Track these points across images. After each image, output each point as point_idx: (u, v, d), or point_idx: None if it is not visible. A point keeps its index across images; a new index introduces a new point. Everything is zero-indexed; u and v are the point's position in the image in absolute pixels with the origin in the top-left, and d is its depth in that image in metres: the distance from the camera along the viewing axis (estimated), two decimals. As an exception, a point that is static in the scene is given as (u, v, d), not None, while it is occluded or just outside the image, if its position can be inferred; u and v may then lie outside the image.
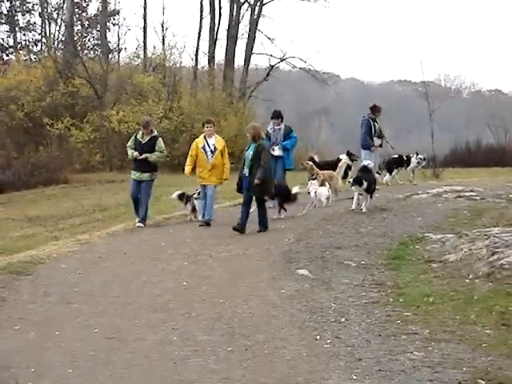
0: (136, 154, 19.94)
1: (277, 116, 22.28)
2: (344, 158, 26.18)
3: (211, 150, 19.41)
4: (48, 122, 38.89)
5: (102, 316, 11.60)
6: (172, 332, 10.65)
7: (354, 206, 20.21)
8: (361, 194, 19.64)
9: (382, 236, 17.50)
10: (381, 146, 25.66)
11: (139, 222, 19.87)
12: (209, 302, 12.25)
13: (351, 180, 20.17)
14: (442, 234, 16.69)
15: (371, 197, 19.90)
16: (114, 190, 22.77)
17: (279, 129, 22.09)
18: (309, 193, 21.31)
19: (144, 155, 19.85)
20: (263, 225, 18.24)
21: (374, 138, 24.93)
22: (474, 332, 10.28)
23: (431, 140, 34.85)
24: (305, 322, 11.10)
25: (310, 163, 23.02)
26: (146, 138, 20.19)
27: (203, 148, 19.51)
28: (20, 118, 39.98)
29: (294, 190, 20.53)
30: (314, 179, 21.63)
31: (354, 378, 8.62)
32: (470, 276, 13.23)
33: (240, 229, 17.99)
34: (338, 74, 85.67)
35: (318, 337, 10.35)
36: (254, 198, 18.66)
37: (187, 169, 19.95)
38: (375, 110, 25.43)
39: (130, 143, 20.59)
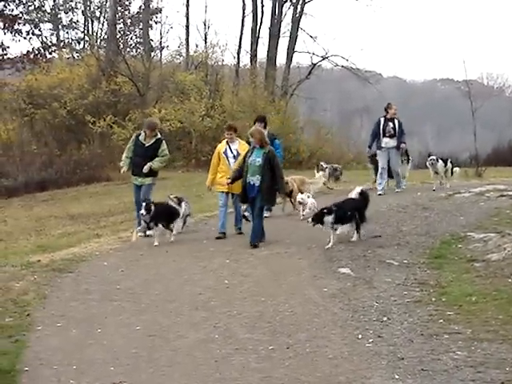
0: (124, 169, 19.01)
1: (260, 120, 20.38)
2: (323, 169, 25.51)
3: (234, 156, 18.15)
4: (90, 119, 39.06)
5: (144, 313, 11.65)
6: (214, 330, 10.66)
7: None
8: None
9: (423, 235, 17.42)
10: (397, 147, 23.99)
11: (139, 230, 18.68)
12: (250, 300, 12.25)
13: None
14: (484, 233, 16.59)
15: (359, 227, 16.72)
16: (155, 188, 22.75)
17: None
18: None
19: (147, 166, 18.48)
20: (256, 238, 16.63)
21: (385, 139, 23.89)
22: (518, 332, 10.22)
23: (474, 138, 34.67)
24: (347, 320, 11.08)
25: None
26: (150, 141, 18.79)
27: (225, 153, 18.28)
28: (63, 116, 40.20)
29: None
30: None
31: (396, 377, 8.61)
32: (514, 276, 13.16)
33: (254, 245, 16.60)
34: (380, 72, 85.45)
35: (360, 336, 10.33)
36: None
37: (208, 180, 18.78)
38: (386, 108, 24.64)
39: (129, 144, 19.24)
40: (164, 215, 17.77)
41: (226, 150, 18.22)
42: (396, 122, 23.94)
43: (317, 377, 8.68)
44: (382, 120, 24.05)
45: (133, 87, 41.26)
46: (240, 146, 18.13)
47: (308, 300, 12.20)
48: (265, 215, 18.57)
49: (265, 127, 19.73)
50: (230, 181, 17.29)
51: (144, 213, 17.14)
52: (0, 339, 10.44)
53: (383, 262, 14.92)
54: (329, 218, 15.99)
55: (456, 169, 25.46)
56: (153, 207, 17.29)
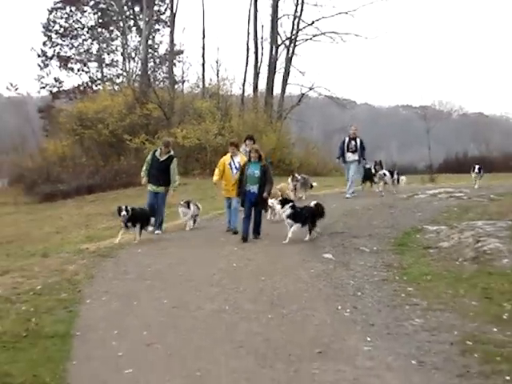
0: (144, 180, 18.33)
1: (250, 138, 20.02)
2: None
3: (236, 167, 17.80)
4: (127, 137, 39.04)
5: (170, 290, 11.64)
6: (225, 302, 10.66)
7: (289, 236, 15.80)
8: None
9: (389, 227, 17.42)
10: (359, 161, 24.07)
11: (157, 228, 18.20)
12: (253, 279, 12.24)
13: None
14: (437, 226, 16.58)
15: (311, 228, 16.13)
16: (180, 192, 22.67)
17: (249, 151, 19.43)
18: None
19: (171, 192, 18.50)
20: (258, 232, 16.63)
21: (348, 154, 23.94)
22: (463, 303, 10.23)
23: (428, 152, 34.69)
24: (329, 295, 11.08)
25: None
26: (164, 157, 18.29)
27: (229, 164, 17.97)
28: (106, 135, 40.22)
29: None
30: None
31: (368, 339, 8.64)
32: (460, 259, 13.16)
33: (246, 238, 16.29)
34: (355, 99, 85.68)
35: (340, 307, 10.33)
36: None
37: (215, 178, 18.32)
38: (350, 129, 24.78)
39: (148, 158, 18.67)
40: (140, 218, 17.16)
41: (230, 162, 17.99)
42: (358, 140, 24.01)
43: (306, 339, 8.70)
44: (347, 139, 24.10)
45: (160, 112, 41.22)
46: (241, 159, 17.80)
47: (298, 279, 12.19)
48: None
49: (253, 144, 19.24)
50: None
51: (125, 214, 16.57)
52: (57, 310, 10.46)
53: (358, 249, 14.92)
54: (288, 211, 15.85)
55: (402, 177, 25.72)
56: (130, 211, 16.72)
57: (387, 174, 24.42)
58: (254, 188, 16.43)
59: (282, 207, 16.01)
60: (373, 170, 25.49)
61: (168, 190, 18.51)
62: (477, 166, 26.42)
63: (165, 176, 18.18)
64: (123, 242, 16.91)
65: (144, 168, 18.43)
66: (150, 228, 17.90)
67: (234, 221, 17.88)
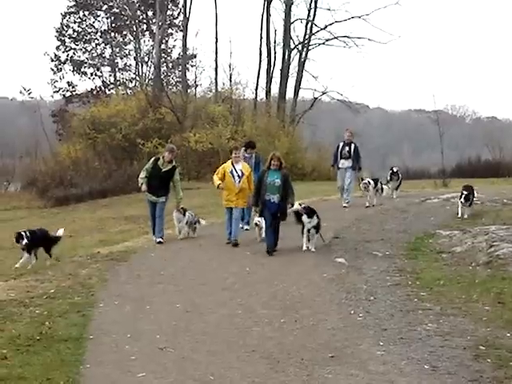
0: (144, 188, 17.16)
1: (252, 146, 18.65)
2: None
3: (238, 175, 16.48)
4: (140, 142, 39.11)
5: (182, 294, 11.68)
6: (237, 307, 10.69)
7: (304, 247, 15.46)
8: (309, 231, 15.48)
9: (402, 232, 17.43)
10: (353, 167, 22.08)
11: (159, 237, 17.09)
12: (266, 284, 12.28)
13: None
14: (450, 231, 16.57)
15: (317, 232, 15.63)
16: (191, 196, 22.72)
17: (250, 157, 18.23)
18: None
19: (179, 206, 17.45)
20: (275, 244, 15.33)
21: (342, 160, 22.06)
22: (476, 308, 10.25)
23: (441, 156, 34.66)
24: (342, 299, 11.10)
25: None
26: (168, 167, 17.14)
27: (231, 172, 16.58)
28: (119, 139, 40.31)
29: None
30: None
31: (381, 344, 8.67)
32: (473, 264, 13.18)
33: (273, 251, 15.16)
34: (368, 104, 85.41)
35: (352, 311, 10.36)
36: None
37: (219, 182, 16.67)
38: (345, 133, 22.88)
39: (147, 166, 17.48)
40: (40, 241, 15.57)
41: (231, 170, 16.63)
42: (352, 146, 22.14)
43: (318, 343, 8.72)
44: (341, 144, 22.33)
45: (173, 116, 41.31)
46: (243, 167, 16.73)
47: (311, 283, 12.22)
48: (246, 228, 18.15)
49: (253, 150, 18.49)
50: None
51: (26, 241, 14.91)
52: (71, 313, 10.50)
53: (370, 253, 14.94)
54: (315, 221, 15.45)
55: (384, 187, 23.98)
56: (29, 236, 15.06)
57: (371, 182, 22.72)
58: (274, 198, 15.19)
59: (310, 217, 15.35)
60: (388, 178, 24.85)
61: (167, 199, 17.53)
62: (394, 169, 25.21)
63: (166, 186, 17.28)
64: (136, 246, 16.96)
65: (142, 175, 17.33)
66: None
67: (235, 232, 16.55)
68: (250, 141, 19.72)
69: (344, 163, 21.94)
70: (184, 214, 17.58)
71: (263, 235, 16.19)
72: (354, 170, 22.16)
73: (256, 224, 16.45)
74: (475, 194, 17.51)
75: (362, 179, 22.57)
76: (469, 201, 16.77)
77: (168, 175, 17.17)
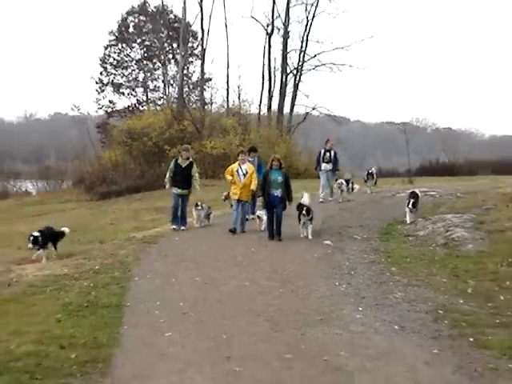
0: (167, 186, 17.31)
1: (254, 150, 18.27)
2: None
3: (243, 174, 16.42)
4: (167, 148, 38.97)
5: (201, 270, 11.66)
6: (245, 279, 10.68)
7: (301, 235, 15.12)
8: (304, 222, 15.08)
9: (376, 219, 17.39)
10: (333, 170, 21.63)
11: (183, 225, 17.07)
12: (268, 261, 12.26)
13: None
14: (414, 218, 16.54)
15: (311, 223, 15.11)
16: (208, 191, 22.72)
17: (253, 160, 17.67)
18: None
19: (198, 188, 17.24)
20: (279, 232, 14.89)
21: (324, 164, 21.54)
22: (436, 280, 10.25)
23: (407, 159, 34.63)
24: (329, 273, 11.09)
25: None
26: (186, 163, 17.24)
27: (237, 171, 16.55)
28: (150, 146, 40.13)
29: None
30: None
31: (360, 309, 8.68)
32: (433, 245, 13.19)
33: (278, 240, 14.76)
34: (349, 117, 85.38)
35: (337, 283, 10.35)
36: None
37: (230, 178, 16.67)
38: (326, 141, 22.23)
39: (171, 166, 17.47)
40: (50, 238, 14.77)
41: (238, 169, 16.59)
42: (332, 152, 21.65)
43: (310, 309, 8.73)
44: (323, 150, 21.81)
45: (193, 128, 41.15)
46: (248, 167, 16.63)
47: (304, 261, 12.20)
48: (251, 217, 17.66)
49: (256, 153, 18.17)
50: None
51: (37, 241, 14.06)
52: (112, 285, 10.52)
53: (351, 236, 14.92)
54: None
55: (356, 186, 23.72)
56: (39, 235, 14.19)
57: (344, 182, 22.31)
58: (277, 192, 14.99)
59: (308, 214, 14.88)
60: (365, 177, 24.77)
61: (191, 191, 17.38)
62: (369, 171, 25.00)
63: (188, 180, 17.16)
64: (164, 232, 16.95)
65: (168, 175, 17.33)
66: None
67: (235, 222, 16.27)
68: (252, 146, 19.51)
69: (326, 166, 21.62)
70: (202, 208, 17.56)
71: (263, 226, 16.05)
72: (334, 172, 21.91)
73: (258, 216, 16.41)
74: (419, 200, 17.12)
75: (337, 180, 22.27)
76: (415, 207, 16.46)
77: (188, 170, 17.16)
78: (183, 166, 17.23)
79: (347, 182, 22.69)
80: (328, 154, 21.64)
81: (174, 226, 17.05)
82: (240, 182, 16.43)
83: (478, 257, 11.57)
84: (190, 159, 17.56)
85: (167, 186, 17.40)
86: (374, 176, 24.96)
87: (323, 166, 21.70)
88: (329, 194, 21.97)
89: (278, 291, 9.82)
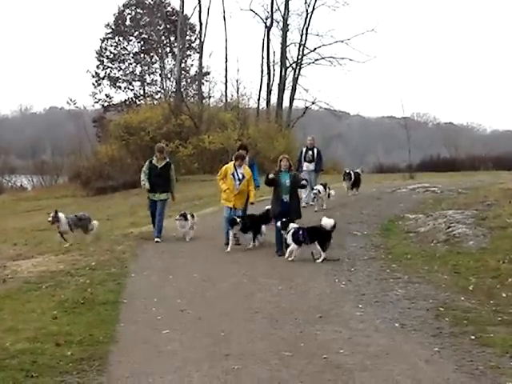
0: (147, 186, 15.18)
1: (244, 148, 15.70)
2: None
3: (239, 178, 14.20)
4: (164, 142, 38.91)
5: (199, 266, 11.69)
6: (244, 277, 10.70)
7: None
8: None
9: (377, 216, 17.39)
10: (315, 170, 19.91)
11: (157, 237, 15.00)
12: (266, 259, 12.28)
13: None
14: (415, 215, 16.52)
15: None
16: (207, 186, 22.67)
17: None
18: None
19: (174, 195, 15.69)
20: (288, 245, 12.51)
21: (305, 163, 19.79)
22: (437, 277, 10.25)
23: (408, 155, 34.58)
24: (328, 270, 11.11)
25: None
26: (162, 163, 15.32)
27: (232, 175, 14.29)
28: (147, 140, 40.01)
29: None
30: None
31: (360, 306, 8.68)
32: (434, 241, 13.16)
33: (281, 252, 12.70)
34: (349, 111, 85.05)
35: (337, 280, 10.37)
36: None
37: (224, 186, 14.39)
38: (309, 139, 20.53)
39: (144, 168, 15.54)
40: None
41: (233, 172, 14.32)
42: (315, 150, 19.91)
43: (309, 306, 8.74)
44: (304, 149, 20.12)
45: (191, 122, 41.16)
46: (244, 170, 14.43)
47: (303, 258, 12.19)
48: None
49: (247, 153, 15.61)
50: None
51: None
52: (108, 282, 10.52)
53: (351, 233, 14.93)
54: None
55: (331, 191, 20.12)
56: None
57: (321, 191, 19.35)
58: (286, 197, 13.05)
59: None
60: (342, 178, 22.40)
61: (168, 197, 15.54)
62: (346, 171, 22.58)
63: (165, 183, 15.32)
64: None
65: (144, 177, 15.34)
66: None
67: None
68: (242, 144, 17.52)
69: (308, 166, 19.97)
70: (186, 219, 15.23)
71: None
72: (317, 173, 20.29)
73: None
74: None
75: (313, 189, 19.38)
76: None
77: (165, 171, 15.34)
78: (159, 166, 15.40)
79: (324, 186, 19.92)
80: (310, 152, 20.01)
81: (157, 239, 15.06)
82: (235, 188, 14.31)
83: (480, 253, 11.55)
84: (167, 159, 15.78)
85: (146, 185, 15.27)
86: (352, 177, 22.18)
87: (305, 165, 20.03)
88: (311, 198, 19.74)
89: (276, 288, 9.83)
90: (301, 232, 12.23)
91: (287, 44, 45.94)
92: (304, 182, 13.93)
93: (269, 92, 46.38)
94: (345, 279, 10.41)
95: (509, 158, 40.48)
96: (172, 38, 54.63)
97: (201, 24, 45.50)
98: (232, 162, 14.70)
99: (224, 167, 14.84)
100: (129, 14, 57.32)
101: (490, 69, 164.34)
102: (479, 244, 12.25)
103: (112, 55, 56.95)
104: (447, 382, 6.05)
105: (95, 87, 56.33)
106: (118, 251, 13.53)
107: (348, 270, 11.10)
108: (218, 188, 14.95)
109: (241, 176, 14.34)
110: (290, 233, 12.30)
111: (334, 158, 46.11)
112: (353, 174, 22.30)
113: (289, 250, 12.30)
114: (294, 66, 46.34)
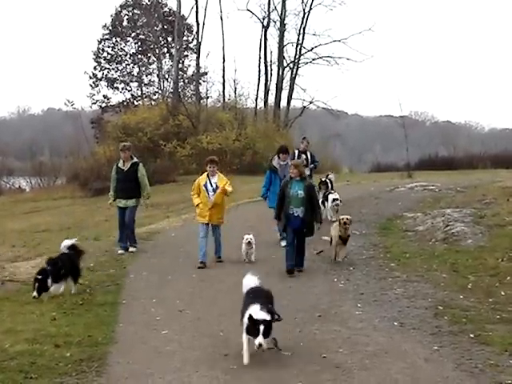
0: (111, 201, 13.99)
1: (285, 151, 14.27)
2: None
3: (213, 189, 12.39)
4: (162, 143, 39.00)
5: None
6: (242, 276, 10.65)
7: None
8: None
9: (375, 214, 17.40)
10: (310, 175, 16.46)
11: (132, 246, 13.75)
12: (266, 258, 12.27)
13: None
14: (414, 213, 16.54)
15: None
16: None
17: (285, 164, 13.74)
18: None
19: (145, 203, 14.45)
20: (301, 264, 11.38)
21: None
22: (435, 276, 10.27)
23: (406, 153, 34.60)
24: (327, 269, 11.15)
25: None
26: (128, 165, 13.80)
27: (205, 186, 12.45)
28: (145, 141, 40.04)
29: None
30: None
31: (359, 305, 8.70)
32: (432, 240, 13.19)
33: (293, 269, 11.05)
34: (347, 111, 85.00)
35: (336, 279, 10.39)
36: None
37: (197, 201, 12.60)
38: (301, 141, 18.24)
39: (113, 173, 14.18)
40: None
41: (206, 183, 12.50)
42: (308, 154, 17.55)
43: (308, 305, 8.77)
44: (297, 152, 17.53)
45: (189, 122, 41.12)
46: (219, 180, 12.56)
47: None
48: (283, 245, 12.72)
49: (288, 155, 14.35)
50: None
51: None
52: (107, 283, 10.54)
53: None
54: None
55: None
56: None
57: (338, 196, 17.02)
58: (298, 211, 11.28)
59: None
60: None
61: (138, 203, 14.19)
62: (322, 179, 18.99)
63: (133, 187, 13.83)
64: (160, 228, 16.96)
65: (112, 187, 14.09)
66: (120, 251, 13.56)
67: (220, 249, 12.70)
68: (281, 146, 15.40)
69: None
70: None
71: (252, 258, 12.35)
72: (311, 178, 16.93)
73: (249, 242, 12.45)
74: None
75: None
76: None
77: (132, 173, 13.86)
78: (125, 169, 13.92)
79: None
80: (304, 156, 17.50)
81: (121, 251, 13.62)
82: (209, 201, 12.44)
83: (478, 252, 11.57)
84: (134, 159, 14.15)
85: (110, 202, 14.13)
86: (329, 185, 18.93)
87: None
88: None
89: (276, 288, 9.78)
90: None
91: (284, 44, 45.98)
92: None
93: (266, 92, 46.41)
94: (343, 278, 10.42)
95: (507, 156, 40.51)
96: (169, 39, 54.66)
97: (198, 24, 45.47)
98: (205, 173, 12.80)
99: (196, 181, 12.94)
100: (126, 14, 57.31)
101: (488, 67, 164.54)
102: (477, 242, 12.26)
103: (109, 56, 56.92)
104: (446, 380, 6.06)
105: (93, 88, 56.32)
106: (116, 252, 13.51)
107: (347, 269, 11.11)
108: (193, 204, 13.06)
109: (214, 186, 12.54)
110: None
111: (332, 157, 46.11)
112: (329, 182, 19.18)
113: None
114: (291, 65, 46.37)
